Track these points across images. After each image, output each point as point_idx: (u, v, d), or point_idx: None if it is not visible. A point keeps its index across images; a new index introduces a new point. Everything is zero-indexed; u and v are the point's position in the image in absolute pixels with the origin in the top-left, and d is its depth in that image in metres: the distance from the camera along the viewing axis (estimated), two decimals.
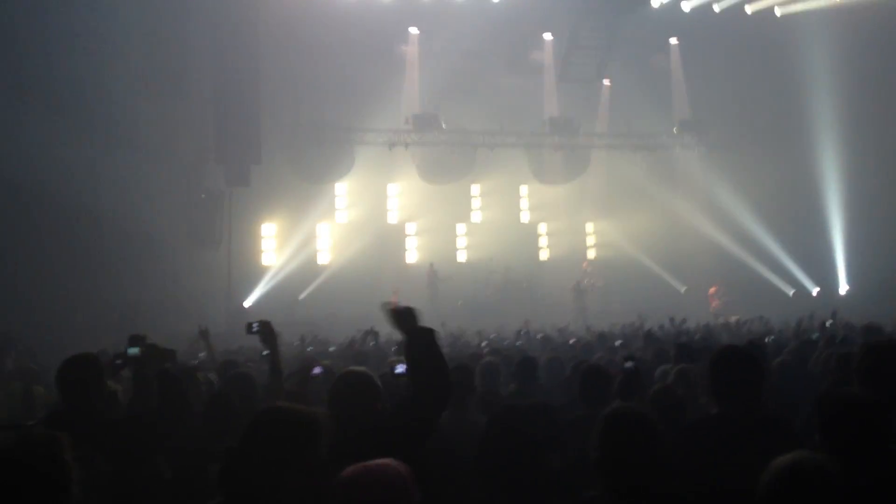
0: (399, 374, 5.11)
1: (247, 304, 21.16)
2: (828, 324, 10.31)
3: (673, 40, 25.14)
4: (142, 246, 18.35)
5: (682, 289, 24.69)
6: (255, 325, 5.06)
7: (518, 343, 12.87)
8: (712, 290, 23.59)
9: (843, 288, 24.43)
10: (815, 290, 24.24)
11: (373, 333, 11.26)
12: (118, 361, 4.69)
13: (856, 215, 23.67)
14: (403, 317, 3.70)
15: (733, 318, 16.20)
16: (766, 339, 9.41)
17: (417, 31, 23.42)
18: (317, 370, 6.02)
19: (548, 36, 24.54)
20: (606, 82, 25.27)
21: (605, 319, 16.99)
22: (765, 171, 23.61)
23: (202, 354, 9.41)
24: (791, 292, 24.13)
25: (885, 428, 3.00)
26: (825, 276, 24.36)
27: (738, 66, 23.81)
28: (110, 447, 3.50)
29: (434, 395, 3.53)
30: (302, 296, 22.23)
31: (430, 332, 3.62)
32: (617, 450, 2.80)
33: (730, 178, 23.89)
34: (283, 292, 21.67)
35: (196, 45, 19.98)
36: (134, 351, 4.48)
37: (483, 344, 12.16)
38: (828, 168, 23.94)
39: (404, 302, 3.67)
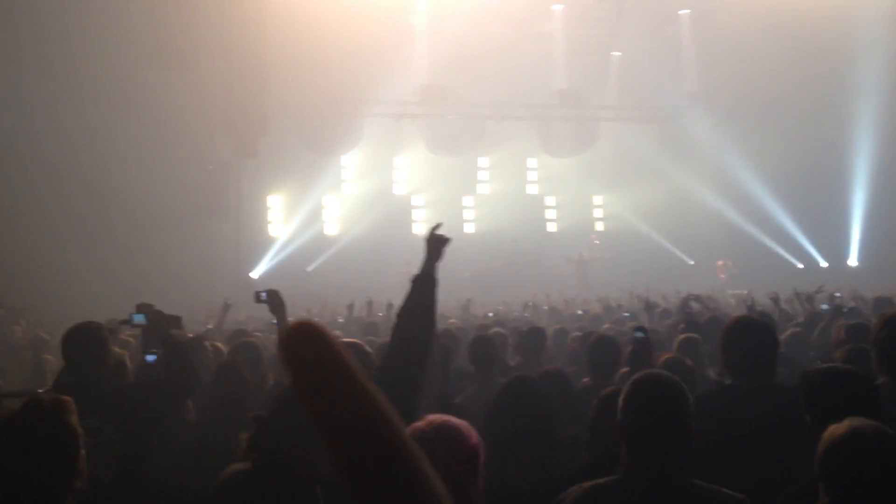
0: None
1: (255, 274, 21.22)
2: (837, 294, 10.24)
3: (683, 11, 24.86)
4: (149, 217, 18.38)
5: (691, 262, 24.64)
6: (262, 293, 5.06)
7: (525, 314, 12.88)
8: (720, 263, 23.54)
9: (853, 261, 24.31)
10: (824, 264, 24.12)
11: (369, 303, 11.31)
12: (124, 324, 4.70)
13: (876, 188, 23.36)
14: (436, 241, 3.66)
15: (742, 293, 16.13)
16: (775, 301, 9.42)
17: (426, 2, 23.24)
18: None
19: (557, 7, 24.31)
20: (616, 54, 25.06)
21: (611, 292, 16.93)
22: (777, 142, 23.38)
23: (210, 326, 9.45)
24: (800, 265, 24.04)
25: (870, 400, 2.97)
26: (836, 250, 24.23)
27: (749, 37, 23.51)
28: (117, 415, 3.51)
29: (412, 342, 3.34)
30: (311, 268, 22.28)
31: (432, 277, 3.57)
32: (645, 416, 2.66)
33: (740, 149, 23.70)
34: (291, 264, 21.74)
35: (203, 16, 19.86)
36: (139, 318, 4.48)
37: (490, 315, 12.18)
38: (846, 139, 23.52)
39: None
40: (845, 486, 2.39)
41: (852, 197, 24.06)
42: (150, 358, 4.47)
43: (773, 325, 5.57)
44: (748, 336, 3.75)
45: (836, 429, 2.46)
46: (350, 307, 11.45)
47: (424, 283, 3.49)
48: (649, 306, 10.59)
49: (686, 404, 2.69)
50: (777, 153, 23.31)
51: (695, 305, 8.73)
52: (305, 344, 0.80)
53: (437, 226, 3.69)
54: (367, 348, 3.96)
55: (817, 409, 2.98)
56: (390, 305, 10.82)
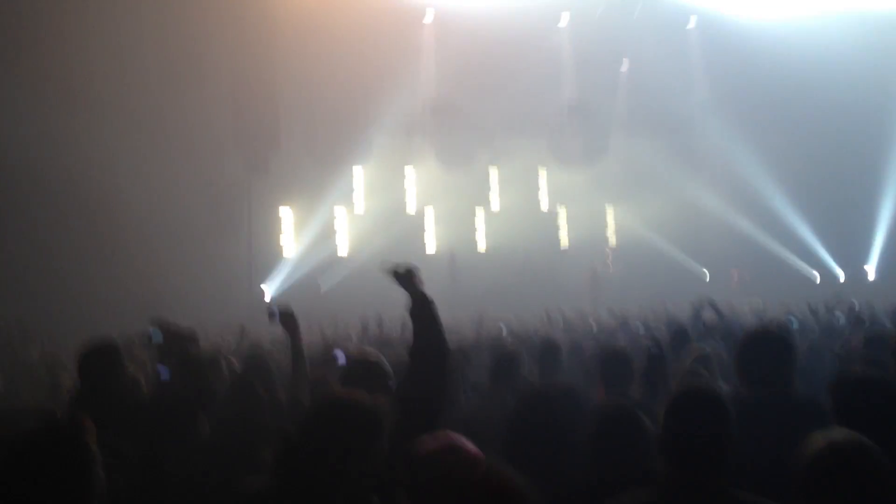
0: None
1: (268, 292, 21.22)
2: (857, 306, 10.17)
3: (692, 19, 24.88)
4: (162, 234, 18.44)
5: (706, 275, 24.51)
6: (276, 312, 5.06)
7: (538, 330, 12.84)
8: (734, 272, 23.45)
9: (872, 274, 24.10)
10: (841, 276, 23.93)
11: (403, 325, 11.28)
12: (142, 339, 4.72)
13: None
14: (403, 278, 3.66)
15: (756, 303, 16.06)
16: (791, 319, 9.35)
17: (433, 17, 23.33)
18: (341, 360, 6.00)
19: (565, 19, 24.37)
20: (625, 65, 25.06)
21: (624, 306, 16.86)
22: (797, 149, 23.23)
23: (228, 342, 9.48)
24: (817, 278, 23.87)
25: None
26: (854, 262, 24.05)
27: (763, 41, 23.42)
28: (134, 433, 3.51)
29: (428, 367, 3.41)
30: (324, 289, 22.26)
31: (426, 300, 3.55)
32: (690, 427, 2.65)
33: (756, 157, 23.60)
34: (303, 281, 21.73)
35: (214, 33, 19.99)
36: (157, 335, 4.49)
37: (504, 331, 12.14)
38: (874, 145, 23.28)
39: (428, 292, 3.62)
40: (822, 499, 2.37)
41: (877, 208, 23.76)
42: (164, 371, 4.48)
43: (789, 336, 5.54)
44: (764, 348, 3.73)
45: (814, 440, 2.47)
46: (364, 328, 11.44)
47: (421, 309, 3.48)
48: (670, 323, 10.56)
49: (728, 415, 2.70)
50: (797, 161, 23.14)
51: (708, 316, 8.65)
52: None
53: (395, 266, 3.71)
54: (387, 366, 3.95)
55: (845, 417, 2.96)
56: (404, 325, 10.80)
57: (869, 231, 24.08)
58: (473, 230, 25.56)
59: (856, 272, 23.83)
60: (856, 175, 23.34)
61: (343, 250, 23.90)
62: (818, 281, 23.74)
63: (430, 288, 3.63)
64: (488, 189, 25.91)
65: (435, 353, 3.36)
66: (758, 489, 2.74)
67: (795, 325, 8.82)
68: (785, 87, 23.42)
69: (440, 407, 3.19)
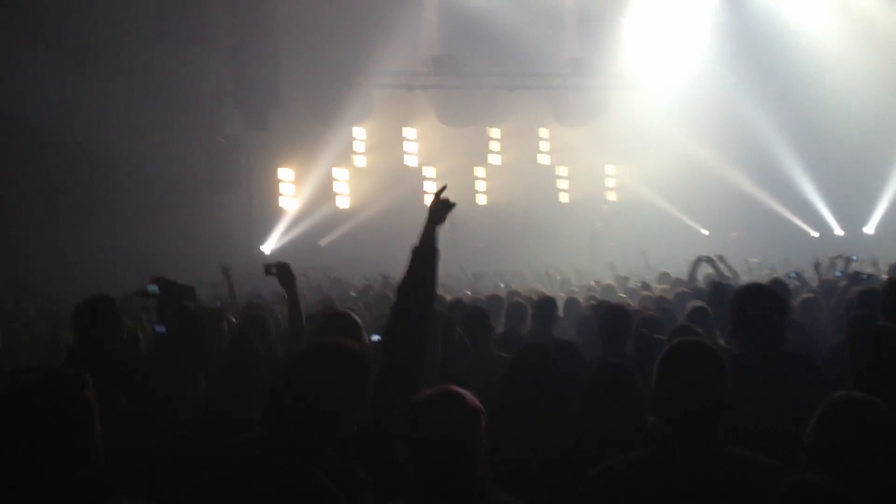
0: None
1: (267, 248, 21.27)
2: (854, 258, 10.11)
3: None
4: (160, 191, 18.43)
5: (705, 232, 24.53)
6: (272, 267, 5.07)
7: (537, 286, 12.89)
8: (733, 234, 23.45)
9: (871, 229, 24.05)
10: (839, 232, 23.91)
11: (385, 277, 11.35)
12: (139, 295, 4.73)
13: None
14: (438, 213, 3.60)
15: (754, 260, 16.09)
16: (789, 275, 9.36)
17: None
18: (375, 337, 5.98)
19: None
20: (626, 21, 24.79)
21: (623, 263, 16.88)
22: (798, 105, 23.06)
23: (219, 301, 9.48)
24: (816, 234, 23.87)
25: None
26: (854, 218, 23.99)
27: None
28: (131, 387, 3.54)
29: (414, 323, 3.29)
30: (323, 242, 22.30)
31: (435, 247, 3.56)
32: (684, 384, 2.65)
33: (757, 115, 23.47)
34: (302, 237, 21.78)
35: None
36: (153, 289, 4.49)
37: (501, 285, 12.21)
38: (879, 105, 22.94)
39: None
40: (833, 453, 2.37)
41: (885, 167, 23.53)
42: (161, 329, 4.49)
43: (783, 292, 5.56)
44: (756, 304, 3.73)
45: (832, 398, 2.46)
46: (367, 286, 11.50)
47: (426, 256, 3.41)
48: (664, 277, 10.59)
49: (723, 371, 2.69)
50: (803, 119, 22.95)
51: (703, 271, 8.65)
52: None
53: (443, 189, 3.63)
54: (357, 318, 3.99)
55: (862, 368, 2.97)
56: (385, 276, 10.91)
57: (874, 190, 23.93)
58: (474, 187, 25.50)
59: (856, 230, 23.78)
60: (863, 134, 23.11)
61: (343, 203, 23.88)
62: (816, 235, 23.70)
63: None
64: (489, 147, 25.79)
65: (422, 304, 3.33)
66: (749, 444, 2.75)
67: (794, 278, 8.85)
68: (791, 45, 23.18)
69: (422, 359, 3.19)
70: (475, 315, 5.67)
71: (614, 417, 3.27)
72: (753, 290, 3.98)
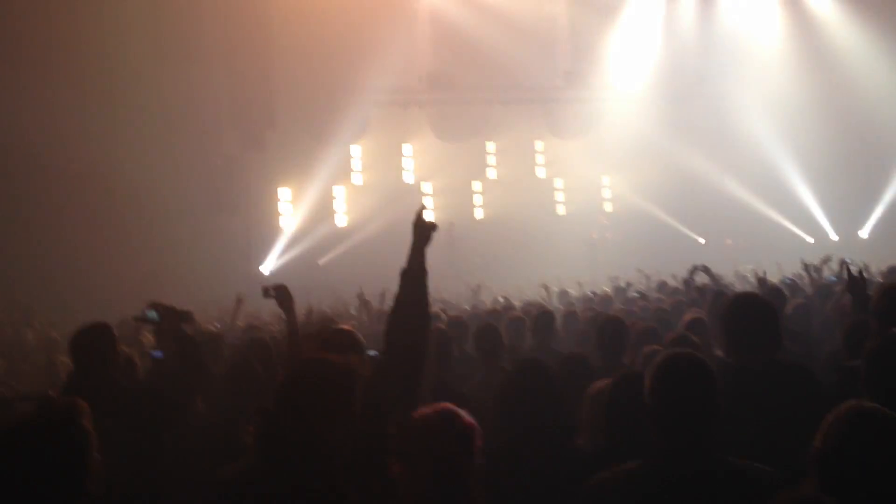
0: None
1: (265, 269, 21.27)
2: (848, 261, 10.10)
3: None
4: (158, 213, 18.45)
5: (702, 241, 24.55)
6: (270, 289, 5.08)
7: (537, 299, 12.90)
8: (728, 241, 23.50)
9: (865, 233, 24.06)
10: (834, 237, 23.90)
11: (383, 295, 11.33)
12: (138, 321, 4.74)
13: None
14: (425, 234, 3.55)
15: (749, 267, 16.09)
16: (784, 281, 9.36)
17: None
18: (372, 353, 5.99)
19: None
20: (618, 33, 24.90)
21: (621, 273, 16.90)
22: (791, 110, 23.10)
23: (218, 325, 9.50)
24: (811, 240, 23.85)
25: None
26: (850, 223, 23.99)
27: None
28: (129, 415, 3.54)
29: (409, 342, 3.20)
30: (322, 261, 22.29)
31: (423, 268, 3.42)
32: (677, 395, 2.65)
33: (750, 122, 23.54)
34: (302, 257, 21.79)
35: (206, 10, 19.86)
36: (152, 314, 4.51)
37: (500, 300, 12.22)
38: (877, 110, 22.91)
39: (429, 262, 3.54)
40: (846, 464, 2.36)
41: (882, 172, 23.47)
42: (158, 354, 4.51)
43: (777, 300, 5.57)
44: (748, 314, 3.72)
45: (843, 408, 2.44)
46: (363, 301, 11.47)
47: (415, 277, 3.35)
48: (661, 286, 10.60)
49: (713, 381, 2.69)
50: (801, 125, 22.99)
51: (699, 279, 8.67)
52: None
53: (423, 209, 3.59)
54: (359, 336, 4.01)
55: (877, 379, 2.97)
56: (384, 294, 10.91)
57: (870, 194, 23.90)
58: (471, 201, 25.55)
59: (850, 234, 23.76)
60: (859, 137, 23.09)
61: (341, 221, 23.90)
62: (812, 242, 23.66)
63: (429, 257, 3.56)
64: (486, 161, 25.84)
65: (416, 323, 3.29)
66: (744, 454, 2.75)
67: (788, 284, 8.86)
68: (784, 52, 23.28)
69: (419, 376, 3.17)
70: (487, 331, 5.68)
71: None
72: (744, 299, 3.98)
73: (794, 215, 24.18)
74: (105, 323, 4.26)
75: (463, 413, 2.56)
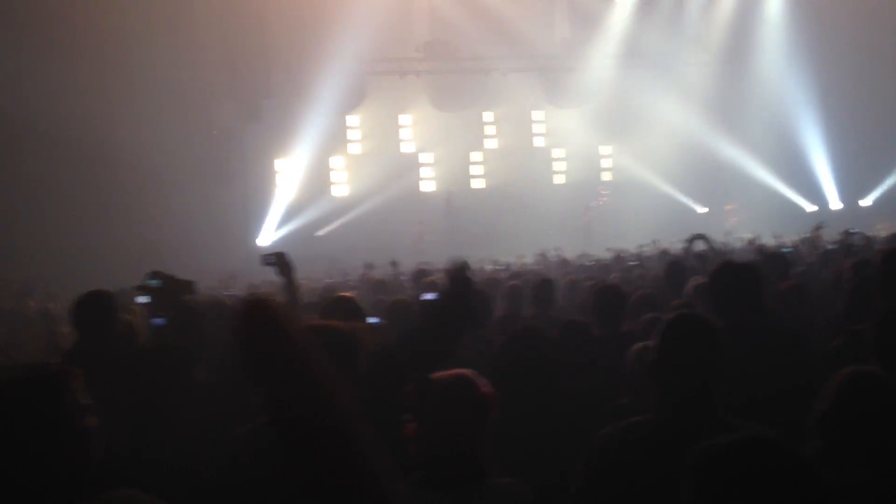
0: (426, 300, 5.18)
1: (263, 241, 21.27)
2: (851, 230, 10.08)
3: None
4: (156, 185, 18.42)
5: (703, 210, 24.53)
6: (270, 256, 5.06)
7: (536, 267, 12.91)
8: (728, 207, 23.48)
9: (867, 201, 23.98)
10: (836, 205, 23.84)
11: (393, 263, 11.46)
12: (139, 290, 4.75)
13: None
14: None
15: (748, 236, 16.09)
16: (784, 250, 9.36)
17: None
18: (374, 320, 5.99)
19: None
20: (617, 1, 24.72)
21: (620, 242, 16.90)
22: (805, 75, 22.97)
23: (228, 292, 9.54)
24: (814, 208, 23.80)
25: None
26: (857, 191, 23.92)
27: None
28: (129, 382, 3.55)
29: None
30: (320, 232, 22.29)
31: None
32: (682, 353, 2.69)
33: (750, 91, 23.45)
34: (300, 228, 21.79)
35: None
36: (154, 283, 4.52)
37: (499, 268, 12.23)
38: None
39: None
40: (843, 427, 2.38)
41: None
42: (158, 322, 4.51)
43: (778, 267, 5.58)
44: (730, 277, 3.83)
45: (849, 372, 2.46)
46: (367, 266, 11.64)
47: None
48: (662, 255, 10.60)
49: (719, 340, 2.74)
50: (816, 89, 22.89)
51: (699, 245, 8.66)
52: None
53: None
54: (357, 302, 4.05)
55: (887, 342, 2.99)
56: (394, 263, 11.08)
57: (884, 162, 23.70)
58: (470, 171, 25.52)
59: (854, 203, 23.70)
60: (879, 104, 22.87)
61: (339, 191, 23.87)
62: (815, 210, 23.60)
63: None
64: (484, 131, 25.77)
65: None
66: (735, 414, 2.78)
67: (789, 252, 8.87)
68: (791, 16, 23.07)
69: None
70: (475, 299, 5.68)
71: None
72: (725, 265, 4.10)
73: (798, 182, 24.07)
74: (105, 291, 4.28)
75: (481, 380, 2.61)
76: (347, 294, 4.26)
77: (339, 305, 4.07)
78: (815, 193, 24.22)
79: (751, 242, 13.70)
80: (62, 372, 2.48)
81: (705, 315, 2.90)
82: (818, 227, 10.24)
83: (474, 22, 22.80)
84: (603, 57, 24.39)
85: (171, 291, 4.45)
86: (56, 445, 2.38)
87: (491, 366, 3.64)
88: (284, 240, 20.77)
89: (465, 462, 2.50)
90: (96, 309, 4.06)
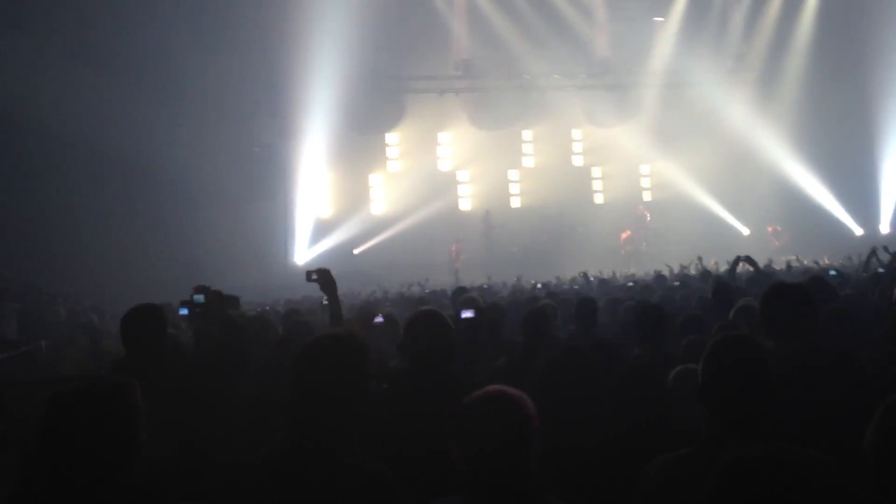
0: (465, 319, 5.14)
1: (303, 258, 21.40)
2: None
3: None
4: (198, 201, 18.64)
5: (745, 231, 24.23)
6: (313, 273, 5.09)
7: (575, 287, 12.84)
8: (770, 229, 23.17)
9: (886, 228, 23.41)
10: (885, 228, 23.33)
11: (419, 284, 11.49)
12: (184, 305, 4.81)
13: None
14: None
15: (790, 258, 15.87)
16: (830, 273, 9.22)
17: None
18: (378, 318, 6.07)
19: None
20: (658, 20, 24.65)
21: (659, 263, 16.76)
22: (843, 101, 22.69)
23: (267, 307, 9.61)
24: (860, 232, 23.33)
25: None
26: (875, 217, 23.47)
27: None
28: (176, 395, 3.57)
29: None
30: (357, 250, 22.36)
31: None
32: (730, 377, 2.62)
33: (797, 110, 23.21)
34: (339, 243, 21.90)
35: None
36: (199, 298, 4.56)
37: (538, 286, 12.18)
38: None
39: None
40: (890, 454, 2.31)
41: None
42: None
43: (821, 290, 5.49)
44: (782, 300, 3.75)
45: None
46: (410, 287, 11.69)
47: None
48: (704, 275, 10.49)
49: (767, 364, 2.67)
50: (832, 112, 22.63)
51: (743, 266, 8.58)
52: None
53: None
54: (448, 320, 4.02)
55: None
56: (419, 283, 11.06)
57: None
58: (508, 190, 25.49)
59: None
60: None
61: (378, 209, 23.95)
62: (861, 234, 23.14)
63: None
64: (522, 149, 25.73)
65: None
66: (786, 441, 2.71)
67: (835, 276, 8.73)
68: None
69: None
70: (533, 317, 5.65)
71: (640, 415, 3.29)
72: (781, 287, 4.00)
73: (851, 203, 23.68)
74: (154, 305, 4.32)
75: (522, 397, 2.56)
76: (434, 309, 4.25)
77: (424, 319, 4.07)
78: (867, 216, 23.67)
79: (789, 266, 13.54)
80: (123, 383, 2.52)
81: (752, 337, 2.84)
82: (872, 253, 9.99)
83: (513, 40, 22.87)
84: (645, 75, 24.35)
85: (217, 307, 4.48)
86: (118, 455, 2.42)
87: (537, 386, 3.62)
88: (322, 256, 20.89)
89: (510, 482, 2.47)
90: (145, 323, 4.10)
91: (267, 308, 9.43)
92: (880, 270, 8.77)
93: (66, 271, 15.39)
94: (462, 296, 7.87)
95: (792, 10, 23.69)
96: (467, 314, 5.26)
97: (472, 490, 2.47)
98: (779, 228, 23.17)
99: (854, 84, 22.50)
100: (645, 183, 26.39)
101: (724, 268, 11.65)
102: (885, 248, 9.76)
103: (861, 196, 23.40)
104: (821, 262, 14.27)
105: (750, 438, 2.55)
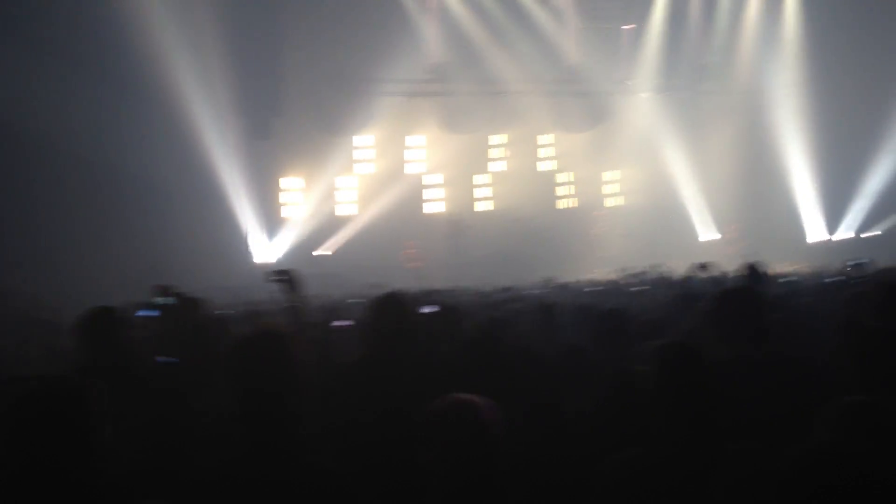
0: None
1: (269, 259, 21.30)
2: (848, 264, 10.09)
3: None
4: (161, 201, 18.45)
5: (708, 236, 24.49)
6: (277, 273, 5.07)
7: (536, 291, 12.90)
8: (727, 235, 23.45)
9: (878, 230, 23.70)
10: (847, 234, 23.66)
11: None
12: (150, 307, 4.79)
13: None
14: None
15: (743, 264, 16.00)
16: (787, 280, 9.39)
17: None
18: (346, 323, 6.09)
19: None
20: (628, 27, 24.87)
21: (625, 266, 16.90)
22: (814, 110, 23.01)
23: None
24: (822, 237, 23.66)
25: None
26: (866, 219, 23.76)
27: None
28: (137, 397, 3.58)
29: None
30: (321, 250, 22.30)
31: None
32: (674, 383, 2.73)
33: (764, 119, 23.53)
34: (304, 245, 21.82)
35: None
36: (166, 300, 4.55)
37: (501, 290, 12.23)
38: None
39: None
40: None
41: None
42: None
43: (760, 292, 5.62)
44: (733, 304, 3.86)
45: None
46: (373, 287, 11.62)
47: None
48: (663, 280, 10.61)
49: (708, 370, 2.79)
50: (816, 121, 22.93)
51: (701, 274, 8.71)
52: None
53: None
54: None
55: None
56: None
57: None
58: (476, 194, 25.53)
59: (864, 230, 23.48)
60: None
61: (345, 211, 23.88)
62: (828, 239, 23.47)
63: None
64: (492, 154, 25.79)
65: None
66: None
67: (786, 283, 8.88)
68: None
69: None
70: (488, 324, 5.71)
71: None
72: (727, 292, 4.16)
73: (807, 211, 24.03)
74: (111, 306, 4.31)
75: (487, 403, 2.59)
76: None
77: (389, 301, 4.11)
78: (831, 222, 23.99)
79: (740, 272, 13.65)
80: (84, 382, 2.53)
81: (689, 343, 2.92)
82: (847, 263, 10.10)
83: (483, 45, 22.97)
84: (612, 83, 24.55)
85: (183, 309, 4.48)
86: (79, 455, 2.43)
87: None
88: (287, 257, 20.82)
89: (475, 489, 2.50)
90: (102, 324, 4.09)
91: (231, 312, 9.36)
92: (828, 280, 8.92)
93: (27, 269, 15.17)
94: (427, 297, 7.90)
95: (769, 18, 24.02)
96: (431, 308, 5.32)
97: (438, 496, 2.50)
98: (735, 234, 23.41)
99: (827, 88, 22.72)
100: (611, 189, 26.52)
101: (683, 273, 11.76)
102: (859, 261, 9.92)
103: (828, 201, 23.77)
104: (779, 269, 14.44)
105: (699, 441, 2.64)
